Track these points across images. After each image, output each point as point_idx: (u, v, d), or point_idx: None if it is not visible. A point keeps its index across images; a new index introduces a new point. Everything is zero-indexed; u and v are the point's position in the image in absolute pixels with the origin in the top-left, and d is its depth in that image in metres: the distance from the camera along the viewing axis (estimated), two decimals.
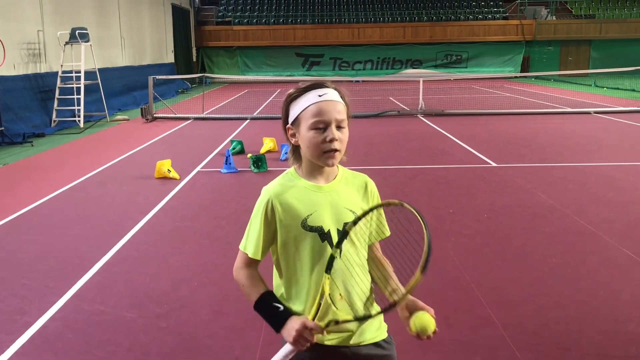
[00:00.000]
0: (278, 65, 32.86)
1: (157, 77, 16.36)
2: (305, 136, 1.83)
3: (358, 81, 29.78)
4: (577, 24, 33.21)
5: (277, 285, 1.97)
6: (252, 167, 8.28)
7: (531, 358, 3.25)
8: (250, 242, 1.88)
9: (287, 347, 1.78)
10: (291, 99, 1.90)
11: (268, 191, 1.89)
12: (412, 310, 1.83)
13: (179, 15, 28.37)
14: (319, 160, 1.84)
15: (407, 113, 15.13)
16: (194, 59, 31.74)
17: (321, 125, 1.81)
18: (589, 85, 25.20)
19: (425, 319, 1.79)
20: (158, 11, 25.06)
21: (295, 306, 1.88)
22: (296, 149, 1.90)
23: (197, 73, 28.57)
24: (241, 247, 1.92)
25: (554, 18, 34.12)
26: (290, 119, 1.88)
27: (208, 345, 3.47)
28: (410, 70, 32.93)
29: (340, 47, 32.94)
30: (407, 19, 33.37)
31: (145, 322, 3.76)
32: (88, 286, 4.36)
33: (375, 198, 1.99)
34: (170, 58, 26.93)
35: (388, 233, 2.00)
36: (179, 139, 11.68)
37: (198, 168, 8.61)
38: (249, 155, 8.58)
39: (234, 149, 9.59)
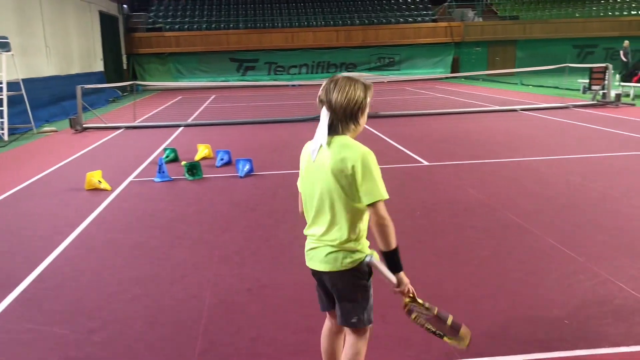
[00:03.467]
0: (212, 70, 32.52)
1: (86, 86, 15.86)
2: (364, 120, 2.51)
3: (294, 85, 29.84)
4: (502, 25, 34.52)
5: (361, 226, 2.48)
6: (187, 175, 8.16)
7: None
8: (384, 188, 2.38)
9: (392, 277, 2.49)
10: (370, 90, 2.50)
11: (372, 152, 2.41)
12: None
13: (107, 23, 27.61)
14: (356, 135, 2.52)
15: None
16: (125, 67, 30.96)
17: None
18: (516, 83, 26.22)
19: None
20: (85, 18, 24.31)
21: (365, 227, 2.51)
22: (349, 124, 2.45)
23: (128, 81, 27.88)
24: (382, 196, 2.36)
25: (481, 20, 35.31)
26: (364, 105, 2.46)
27: (144, 357, 3.40)
28: (345, 74, 33.20)
29: (275, 51, 32.95)
30: (339, 22, 33.76)
31: (78, 338, 3.64)
32: (14, 304, 4.19)
33: None
34: (99, 66, 26.17)
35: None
36: (110, 149, 11.37)
37: (130, 178, 8.41)
38: (183, 162, 8.45)
39: (167, 157, 9.42)
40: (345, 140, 2.42)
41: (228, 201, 6.97)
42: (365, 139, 10.32)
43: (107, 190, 7.64)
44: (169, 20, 32.95)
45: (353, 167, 2.35)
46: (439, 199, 6.66)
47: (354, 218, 2.44)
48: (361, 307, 2.55)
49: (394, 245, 2.42)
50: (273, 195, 7.16)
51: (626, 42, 22.77)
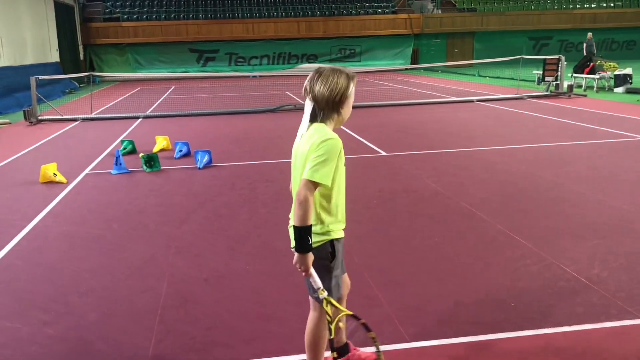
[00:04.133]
0: (171, 61, 32.11)
1: (41, 77, 15.49)
2: (348, 109, 2.65)
3: (255, 76, 29.71)
4: (461, 17, 35.04)
5: (326, 209, 2.63)
6: (144, 167, 8.10)
7: (413, 331, 3.48)
8: (325, 175, 2.48)
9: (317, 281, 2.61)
10: (353, 81, 2.64)
11: (338, 140, 2.53)
12: None
13: (62, 12, 26.94)
14: (341, 125, 2.71)
15: (303, 107, 15.30)
16: (82, 58, 30.29)
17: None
18: (473, 75, 26.70)
19: None
20: (39, 8, 23.66)
21: (339, 221, 2.70)
22: (331, 113, 2.60)
23: (85, 72, 27.30)
24: (318, 180, 2.46)
25: (440, 12, 35.75)
26: (346, 95, 2.60)
27: (99, 349, 3.41)
28: (306, 65, 33.31)
29: (236, 42, 32.73)
30: (300, 13, 33.72)
31: (31, 331, 3.63)
32: None
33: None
34: (55, 57, 25.54)
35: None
36: (66, 142, 11.17)
37: (87, 170, 8.30)
38: (141, 154, 8.39)
39: (124, 149, 9.33)
40: (320, 127, 2.58)
41: (186, 192, 6.97)
42: None
43: (62, 183, 7.54)
44: (126, 10, 32.34)
45: (310, 146, 2.52)
46: (395, 188, 6.80)
47: (317, 202, 2.60)
48: (322, 286, 2.65)
49: (304, 224, 2.48)
50: (231, 187, 7.18)
51: (589, 35, 23.26)
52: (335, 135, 2.54)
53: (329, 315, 2.64)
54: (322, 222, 2.64)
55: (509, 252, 4.75)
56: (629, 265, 4.39)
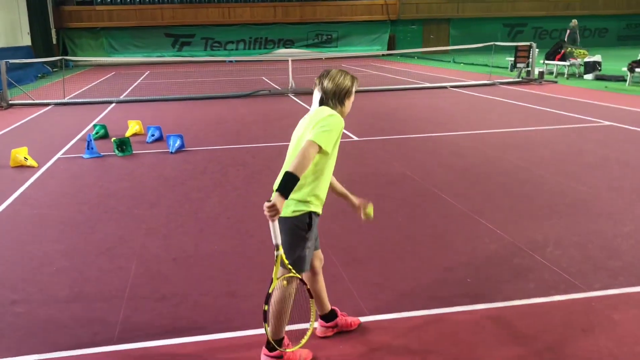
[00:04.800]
0: (146, 46, 31.78)
1: (11, 61, 15.27)
2: (348, 106, 3.06)
3: (231, 61, 29.61)
4: (437, 3, 35.16)
5: (310, 183, 2.89)
6: (116, 151, 8.13)
7: (372, 306, 3.64)
8: (328, 142, 2.78)
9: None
10: (356, 83, 3.09)
11: (342, 120, 2.92)
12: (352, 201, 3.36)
13: None
14: (345, 116, 3.04)
15: (279, 92, 15.39)
16: (55, 42, 29.80)
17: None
18: (449, 61, 26.91)
19: (371, 209, 3.38)
20: None
21: (320, 200, 2.95)
22: (336, 105, 2.99)
23: (58, 56, 26.90)
24: (321, 143, 2.74)
25: None
26: (350, 92, 3.03)
27: (66, 325, 3.50)
28: (282, 50, 33.24)
29: (211, 27, 32.49)
30: None
31: None
32: None
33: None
34: (26, 41, 25.12)
35: None
36: (37, 126, 11.10)
37: (58, 155, 8.30)
38: (113, 139, 8.40)
39: (97, 133, 9.32)
40: (328, 108, 2.96)
41: (158, 176, 7.03)
42: (299, 114, 10.51)
43: (33, 167, 7.54)
44: None
45: (317, 119, 2.85)
46: (365, 172, 6.95)
47: (308, 174, 2.85)
48: (293, 252, 2.90)
49: (296, 173, 2.65)
50: (203, 171, 7.26)
51: (574, 21, 23.47)
52: (338, 115, 2.91)
53: (275, 272, 2.83)
54: (306, 192, 2.86)
55: (469, 231, 4.93)
56: (581, 243, 4.60)
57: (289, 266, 2.87)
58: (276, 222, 2.72)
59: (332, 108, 2.96)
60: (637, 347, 3.09)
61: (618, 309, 3.51)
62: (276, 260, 2.82)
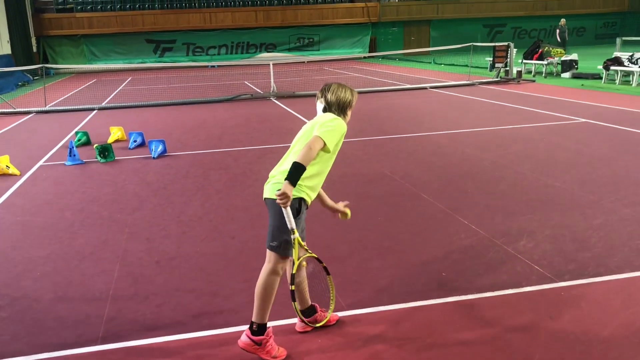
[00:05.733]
0: (128, 52, 31.72)
1: None
2: (347, 117, 3.30)
3: (214, 66, 29.63)
4: (417, 5, 35.50)
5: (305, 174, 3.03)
6: (99, 158, 8.17)
7: (350, 301, 3.75)
8: (331, 139, 3.03)
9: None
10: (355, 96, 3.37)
11: (345, 125, 3.19)
12: (337, 209, 3.52)
13: (12, 2, 26.30)
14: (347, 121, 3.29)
15: (261, 96, 15.48)
16: (35, 50, 29.63)
17: None
18: (429, 62, 27.18)
19: (348, 212, 3.54)
20: None
21: (313, 191, 3.18)
22: (341, 114, 3.26)
23: (38, 64, 26.76)
24: (325, 140, 2.99)
25: (397, 0, 36.12)
26: (351, 105, 3.31)
27: (51, 327, 3.57)
28: (265, 54, 33.32)
29: (193, 32, 32.51)
30: (258, 2, 33.66)
31: None
32: None
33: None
34: (6, 49, 24.99)
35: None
36: (19, 134, 11.09)
37: (40, 162, 8.33)
38: (95, 145, 8.44)
39: (79, 140, 9.35)
40: (330, 113, 3.24)
41: (140, 181, 7.09)
42: (281, 117, 10.67)
43: (15, 175, 7.57)
44: (80, 0, 31.70)
45: (322, 121, 3.12)
46: (345, 172, 7.06)
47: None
48: (280, 235, 3.06)
49: (303, 163, 2.91)
50: (185, 175, 7.33)
51: (562, 20, 23.87)
52: (340, 119, 3.18)
53: (295, 257, 3.06)
54: (301, 181, 3.03)
55: (445, 228, 5.06)
56: (554, 236, 4.75)
57: (276, 251, 3.08)
58: (289, 209, 2.94)
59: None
60: (603, 333, 3.23)
61: (586, 298, 3.65)
62: (294, 243, 3.02)
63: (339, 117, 3.20)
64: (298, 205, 3.08)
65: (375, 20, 34.50)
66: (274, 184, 3.10)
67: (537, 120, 10.27)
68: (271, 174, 3.20)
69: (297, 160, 2.91)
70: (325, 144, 3.00)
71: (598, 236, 4.70)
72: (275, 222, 3.07)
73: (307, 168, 2.99)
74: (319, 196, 3.38)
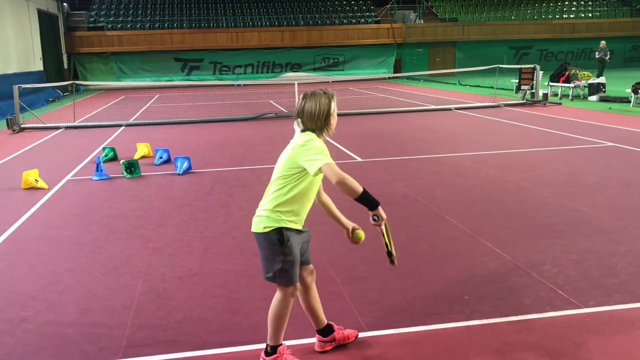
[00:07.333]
0: (156, 70, 32.28)
1: (23, 86, 15.60)
2: (334, 122, 3.08)
3: (239, 85, 30.00)
4: (442, 26, 35.59)
5: (282, 202, 2.99)
6: (125, 173, 8.30)
7: (370, 322, 3.73)
8: (325, 156, 2.87)
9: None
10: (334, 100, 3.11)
11: (320, 140, 2.98)
12: (342, 224, 3.37)
13: (46, 21, 27.05)
14: (329, 136, 3.13)
15: (285, 115, 15.61)
16: (66, 66, 30.36)
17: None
18: (454, 84, 27.14)
19: (361, 234, 3.39)
20: (22, 17, 23.77)
21: (296, 216, 3.05)
22: (322, 127, 3.04)
23: (68, 81, 27.37)
24: (323, 161, 2.86)
25: (422, 21, 36.28)
26: (331, 111, 3.05)
27: (74, 340, 3.61)
28: (290, 74, 33.63)
29: (220, 51, 32.98)
30: (284, 23, 34.07)
31: (9, 326, 3.82)
32: None
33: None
34: (38, 66, 25.62)
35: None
36: (48, 149, 11.33)
37: (68, 177, 8.49)
38: (122, 161, 8.59)
39: (106, 156, 9.52)
40: (304, 134, 3.01)
41: (165, 197, 7.18)
42: None
43: (43, 189, 7.72)
44: (111, 19, 32.50)
45: (296, 146, 2.96)
46: None
47: (275, 192, 3.01)
48: (272, 266, 3.04)
49: (359, 191, 2.85)
50: (209, 192, 7.41)
51: (602, 43, 23.80)
52: (314, 136, 2.98)
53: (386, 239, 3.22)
54: (277, 210, 2.99)
55: (468, 250, 5.02)
56: (578, 261, 4.67)
57: (275, 280, 3.06)
58: (383, 227, 3.11)
59: (316, 133, 3.03)
60: None
61: (611, 326, 3.58)
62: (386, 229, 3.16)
63: (312, 135, 2.98)
64: (278, 235, 3.00)
65: (401, 41, 34.65)
66: (255, 217, 3.08)
67: (563, 144, 10.16)
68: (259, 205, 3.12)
69: (355, 198, 2.87)
70: (325, 163, 2.85)
71: (625, 262, 4.62)
72: (263, 253, 3.08)
73: (284, 192, 2.96)
74: (324, 205, 3.31)
